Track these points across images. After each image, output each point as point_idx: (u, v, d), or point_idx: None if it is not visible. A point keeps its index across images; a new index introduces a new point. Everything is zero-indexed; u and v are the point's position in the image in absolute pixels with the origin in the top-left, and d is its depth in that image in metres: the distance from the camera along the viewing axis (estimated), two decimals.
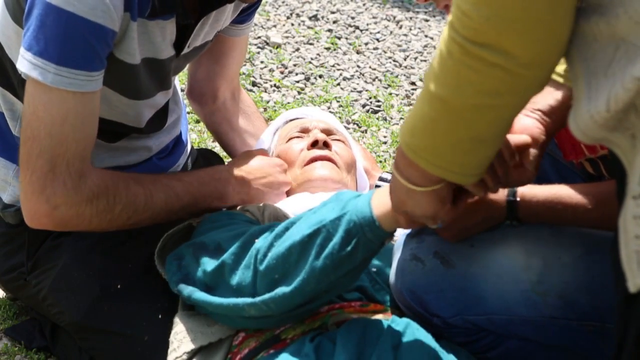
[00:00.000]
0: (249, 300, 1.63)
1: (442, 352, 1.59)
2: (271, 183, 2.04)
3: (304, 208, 1.89)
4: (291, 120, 2.23)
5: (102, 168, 1.86)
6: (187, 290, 1.73)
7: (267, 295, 1.60)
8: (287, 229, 1.63)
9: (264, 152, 2.14)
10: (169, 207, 1.88)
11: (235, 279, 1.66)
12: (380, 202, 1.55)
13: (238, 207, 1.99)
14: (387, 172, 2.25)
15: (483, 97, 1.22)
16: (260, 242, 1.65)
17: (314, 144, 2.09)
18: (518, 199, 1.65)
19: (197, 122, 3.07)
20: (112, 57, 1.78)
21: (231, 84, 2.35)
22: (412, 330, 1.62)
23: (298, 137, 2.14)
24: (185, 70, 2.33)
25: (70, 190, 1.75)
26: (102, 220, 1.81)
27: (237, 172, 2.01)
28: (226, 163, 2.13)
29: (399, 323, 1.64)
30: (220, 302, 1.67)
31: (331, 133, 2.16)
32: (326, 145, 2.10)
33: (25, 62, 1.70)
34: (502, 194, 1.65)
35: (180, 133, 2.25)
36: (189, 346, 1.72)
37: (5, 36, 1.86)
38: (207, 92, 2.33)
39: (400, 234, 1.79)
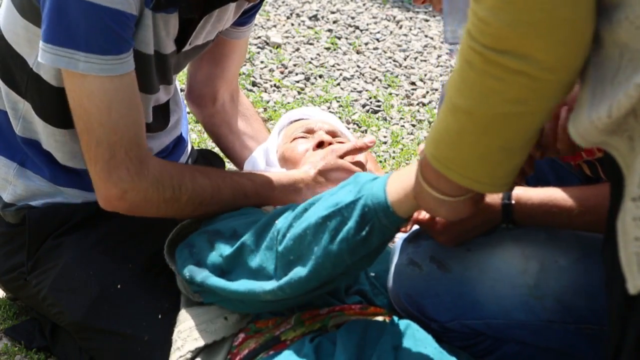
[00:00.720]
0: (266, 286, 1.62)
1: (443, 352, 1.59)
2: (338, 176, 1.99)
3: None
4: (295, 120, 2.24)
5: (166, 160, 1.86)
6: (201, 275, 1.72)
7: (283, 281, 1.60)
8: (305, 210, 1.63)
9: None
10: (236, 204, 1.87)
11: (255, 261, 1.66)
12: (395, 188, 1.53)
13: None
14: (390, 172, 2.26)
15: (509, 105, 1.19)
16: (281, 223, 1.65)
17: (319, 145, 2.10)
18: (513, 201, 1.65)
19: (197, 122, 3.07)
20: None
21: (230, 87, 2.35)
22: (413, 331, 1.62)
23: (303, 137, 2.14)
24: (185, 71, 2.33)
25: (134, 176, 1.76)
26: (170, 208, 1.82)
27: (309, 176, 1.98)
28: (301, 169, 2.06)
29: (400, 324, 1.64)
30: (236, 288, 1.67)
31: (335, 135, 2.17)
32: None
33: (48, 55, 1.70)
34: (497, 197, 1.65)
35: (181, 133, 2.25)
36: (193, 345, 1.72)
37: (13, 33, 1.86)
38: (206, 95, 2.34)
39: (398, 237, 1.79)
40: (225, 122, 2.36)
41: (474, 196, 1.42)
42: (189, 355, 1.72)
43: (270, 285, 1.62)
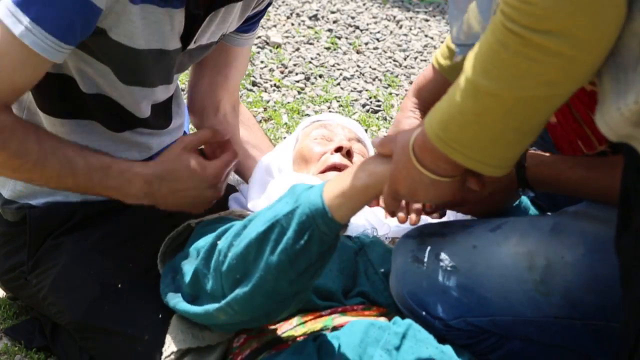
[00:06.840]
0: (215, 305, 1.62)
1: (444, 353, 1.59)
2: (193, 202, 1.95)
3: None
4: (319, 121, 2.26)
5: (19, 118, 1.82)
6: (173, 301, 1.74)
7: (229, 297, 1.59)
8: (245, 226, 1.61)
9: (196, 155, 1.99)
10: (61, 179, 1.83)
11: (210, 284, 1.65)
12: (332, 193, 1.52)
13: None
14: None
15: (541, 88, 1.19)
16: (222, 243, 1.64)
17: (338, 150, 2.09)
18: (526, 164, 1.68)
19: None
20: (107, 38, 1.78)
21: (232, 97, 2.35)
22: (414, 332, 1.62)
23: (322, 137, 2.15)
24: (187, 72, 2.33)
25: None
26: None
27: (155, 182, 1.91)
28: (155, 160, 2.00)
29: (402, 324, 1.63)
30: (195, 311, 1.67)
31: (358, 142, 2.18)
32: (348, 154, 2.11)
33: (2, 8, 1.68)
34: None
35: (184, 132, 2.26)
36: (178, 346, 1.73)
37: None
38: (208, 106, 2.33)
39: (400, 235, 1.78)
40: (227, 134, 2.36)
41: (462, 177, 1.43)
42: (172, 357, 1.73)
43: (218, 303, 1.62)
